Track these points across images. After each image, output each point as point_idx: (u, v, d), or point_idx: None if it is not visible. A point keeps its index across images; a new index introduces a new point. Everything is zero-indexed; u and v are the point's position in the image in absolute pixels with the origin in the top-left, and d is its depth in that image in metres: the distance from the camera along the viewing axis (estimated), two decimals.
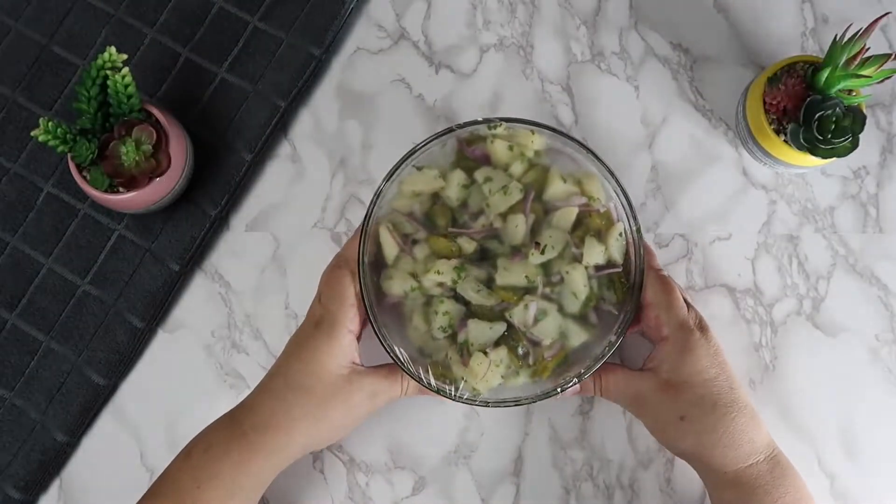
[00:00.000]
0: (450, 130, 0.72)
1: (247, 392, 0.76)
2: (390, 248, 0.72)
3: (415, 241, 0.72)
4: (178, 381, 0.77)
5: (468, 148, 0.73)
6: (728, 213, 0.78)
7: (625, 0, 0.81)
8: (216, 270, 0.78)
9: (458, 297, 0.71)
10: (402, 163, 0.71)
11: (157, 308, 0.76)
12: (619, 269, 0.71)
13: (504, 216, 0.71)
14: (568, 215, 0.71)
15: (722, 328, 0.76)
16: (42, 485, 0.76)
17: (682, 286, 0.76)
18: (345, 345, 0.68)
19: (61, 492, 0.76)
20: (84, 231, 0.78)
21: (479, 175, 0.72)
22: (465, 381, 0.70)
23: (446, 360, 0.71)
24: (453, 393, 0.70)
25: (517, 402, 0.70)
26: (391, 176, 0.71)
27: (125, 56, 0.70)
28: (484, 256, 0.72)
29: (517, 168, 0.72)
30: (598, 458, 0.75)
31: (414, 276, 0.71)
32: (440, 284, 0.71)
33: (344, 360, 0.68)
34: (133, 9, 0.81)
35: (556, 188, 0.72)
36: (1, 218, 0.78)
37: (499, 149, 0.72)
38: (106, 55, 0.69)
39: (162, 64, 0.80)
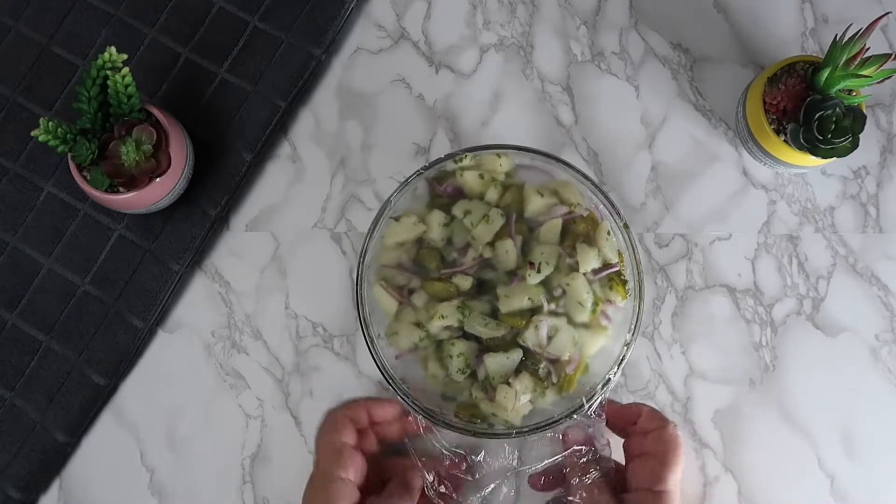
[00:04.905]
0: (418, 174, 0.71)
1: (247, 392, 0.77)
2: (388, 304, 0.71)
3: (411, 291, 0.72)
4: (178, 381, 0.77)
5: (439, 186, 0.73)
6: (728, 213, 0.78)
7: (625, 0, 0.81)
8: (216, 270, 0.78)
9: (468, 336, 0.70)
10: (378, 218, 0.70)
11: (157, 308, 0.76)
12: (617, 268, 0.71)
13: (492, 244, 0.71)
14: (553, 228, 0.71)
15: (722, 328, 0.76)
16: (42, 485, 0.76)
17: (682, 286, 0.76)
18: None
19: (61, 492, 0.76)
20: (84, 231, 0.78)
21: (458, 210, 0.71)
22: (496, 415, 0.69)
23: (472, 399, 0.70)
24: (488, 430, 0.69)
25: (551, 422, 0.69)
26: (371, 233, 0.70)
27: (125, 56, 0.70)
28: (482, 289, 0.71)
29: (492, 194, 0.72)
30: None
31: (419, 325, 0.70)
32: (447, 328, 0.70)
33: None
34: (133, 9, 0.81)
35: (536, 204, 0.71)
36: (1, 218, 0.78)
37: (469, 179, 0.72)
38: (106, 55, 0.69)
39: (162, 64, 0.80)
